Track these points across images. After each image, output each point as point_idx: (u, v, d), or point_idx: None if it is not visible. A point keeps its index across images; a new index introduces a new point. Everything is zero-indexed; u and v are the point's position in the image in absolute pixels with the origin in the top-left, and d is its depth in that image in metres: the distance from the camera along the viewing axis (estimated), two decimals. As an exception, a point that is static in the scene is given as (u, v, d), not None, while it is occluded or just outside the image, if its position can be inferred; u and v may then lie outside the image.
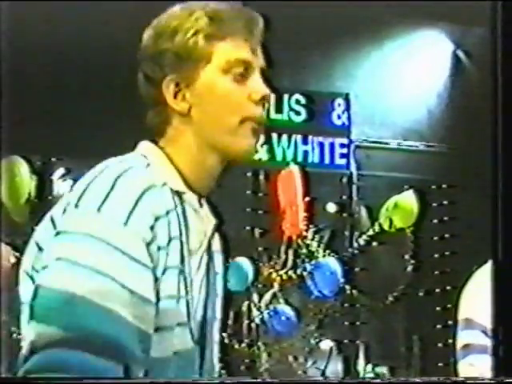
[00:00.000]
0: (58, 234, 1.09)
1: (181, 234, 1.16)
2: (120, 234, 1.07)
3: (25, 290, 1.13)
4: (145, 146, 1.22)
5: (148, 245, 1.09)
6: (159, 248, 1.11)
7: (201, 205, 1.23)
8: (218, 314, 1.28)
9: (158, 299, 1.11)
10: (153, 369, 1.11)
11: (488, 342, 1.90)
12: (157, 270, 1.11)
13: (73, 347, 1.02)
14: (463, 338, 2.02)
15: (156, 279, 1.11)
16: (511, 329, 1.05)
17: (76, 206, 1.10)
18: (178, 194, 1.18)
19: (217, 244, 1.29)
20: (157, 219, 1.11)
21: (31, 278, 1.13)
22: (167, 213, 1.14)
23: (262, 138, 1.24)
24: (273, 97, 3.86)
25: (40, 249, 1.12)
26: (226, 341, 3.62)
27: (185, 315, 1.16)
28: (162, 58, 1.19)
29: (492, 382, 1.11)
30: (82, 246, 1.07)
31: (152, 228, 1.10)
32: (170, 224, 1.13)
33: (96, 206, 1.08)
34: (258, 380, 1.20)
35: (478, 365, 1.91)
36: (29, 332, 1.06)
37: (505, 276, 1.11)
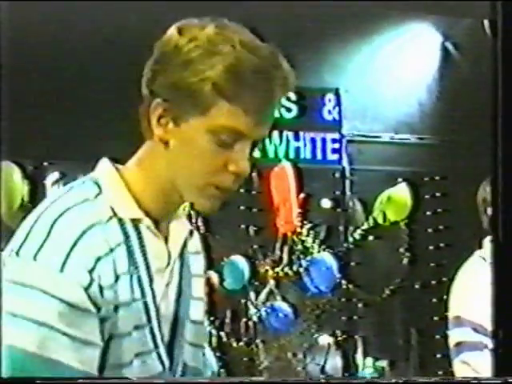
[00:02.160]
0: (4, 281, 1.09)
1: (135, 266, 1.14)
2: (56, 281, 1.07)
3: None
4: (102, 167, 1.19)
5: (86, 288, 1.08)
6: (102, 288, 1.10)
7: (164, 224, 1.19)
8: (195, 317, 1.25)
9: (111, 337, 1.11)
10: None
11: (479, 339, 1.91)
12: (103, 311, 1.10)
13: None
14: (455, 336, 2.03)
15: (103, 320, 1.10)
16: (511, 327, 1.05)
17: (17, 253, 1.10)
18: (132, 221, 1.16)
19: (195, 246, 1.28)
20: (98, 260, 1.10)
21: None
22: (111, 250, 1.12)
23: (223, 202, 1.17)
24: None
25: None
26: (224, 339, 3.62)
27: (148, 344, 1.15)
28: (165, 77, 1.12)
29: (494, 381, 1.11)
30: (21, 297, 1.07)
31: (92, 270, 1.09)
32: (115, 261, 1.12)
33: (33, 253, 1.08)
34: (258, 380, 1.19)
35: (471, 362, 1.92)
36: None
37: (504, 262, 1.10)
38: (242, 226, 3.74)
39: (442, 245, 3.90)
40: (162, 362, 1.17)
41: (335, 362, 3.81)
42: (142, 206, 1.16)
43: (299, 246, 3.81)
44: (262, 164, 3.81)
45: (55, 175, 3.35)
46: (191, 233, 1.26)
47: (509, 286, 1.10)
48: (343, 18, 3.59)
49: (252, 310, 3.72)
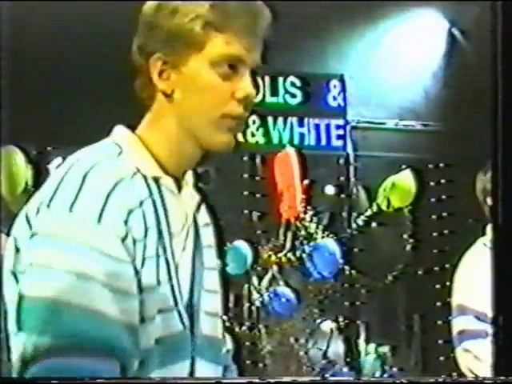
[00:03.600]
0: (32, 236, 1.09)
1: (158, 222, 1.16)
2: (94, 232, 1.07)
3: (9, 292, 1.12)
4: (119, 131, 1.21)
5: (123, 240, 1.09)
6: (135, 241, 1.11)
7: (180, 186, 1.22)
8: (210, 286, 1.27)
9: (140, 290, 1.11)
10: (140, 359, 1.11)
11: (482, 327, 1.91)
12: (135, 263, 1.11)
13: (65, 355, 1.03)
14: (457, 324, 2.03)
15: (136, 272, 1.11)
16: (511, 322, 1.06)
17: (48, 206, 1.09)
18: (154, 179, 1.18)
19: (204, 218, 1.29)
20: (130, 212, 1.11)
21: (13, 278, 1.12)
22: (141, 203, 1.13)
23: (239, 133, 1.22)
24: (268, 80, 3.85)
25: (17, 250, 1.11)
26: (227, 324, 3.64)
27: (169, 301, 1.16)
28: (157, 34, 1.18)
29: (493, 381, 1.11)
30: (57, 249, 1.06)
31: (126, 222, 1.10)
32: (144, 215, 1.13)
33: (67, 205, 1.08)
34: (258, 380, 1.19)
35: (473, 350, 1.93)
36: (17, 343, 1.06)
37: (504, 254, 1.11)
38: (246, 212, 3.75)
39: (445, 231, 3.90)
40: (182, 321, 1.18)
41: (337, 348, 3.83)
42: (160, 165, 1.19)
43: (302, 232, 3.82)
44: (266, 150, 3.82)
45: (58, 160, 3.36)
46: (199, 205, 1.27)
47: (509, 274, 1.10)
48: (348, 3, 3.56)
49: (255, 295, 3.74)
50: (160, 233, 1.15)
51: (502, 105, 1.09)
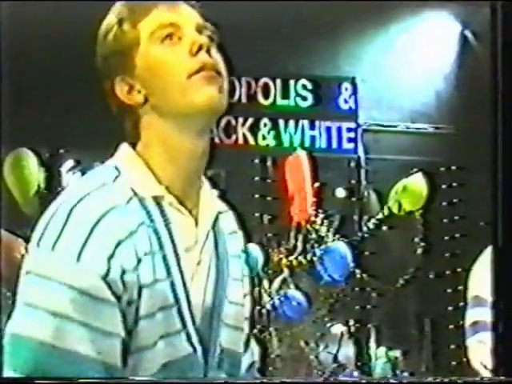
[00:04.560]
0: (25, 273, 1.10)
1: (160, 245, 1.13)
2: (73, 271, 1.06)
3: (5, 329, 1.12)
4: (121, 150, 1.19)
5: (105, 277, 1.07)
6: (124, 272, 1.08)
7: (189, 201, 1.17)
8: (234, 297, 1.23)
9: (136, 322, 1.09)
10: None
11: None
12: (125, 297, 1.08)
13: None
14: (472, 315, 2.01)
15: (126, 306, 1.08)
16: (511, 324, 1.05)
17: (38, 244, 1.09)
18: (154, 199, 1.15)
19: (229, 225, 1.26)
20: (118, 244, 1.08)
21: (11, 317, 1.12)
22: (133, 232, 1.10)
23: (224, 86, 1.16)
24: (279, 82, 3.85)
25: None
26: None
27: (176, 325, 1.13)
28: (106, 65, 1.18)
29: (492, 381, 1.11)
30: (39, 288, 1.07)
31: (111, 257, 1.07)
32: (136, 244, 1.10)
33: (51, 244, 1.07)
34: (258, 380, 1.18)
35: (487, 341, 1.90)
36: (2, 378, 1.07)
37: (505, 262, 1.10)
38: (257, 214, 3.75)
39: (457, 235, 3.89)
40: (191, 344, 1.15)
41: (348, 351, 3.82)
42: (162, 182, 1.15)
43: (313, 235, 3.81)
44: (277, 152, 3.82)
45: (70, 162, 3.38)
46: (223, 212, 1.24)
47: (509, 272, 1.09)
48: (360, 7, 3.56)
49: (265, 298, 3.74)
50: (162, 256, 1.12)
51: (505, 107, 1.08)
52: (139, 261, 1.10)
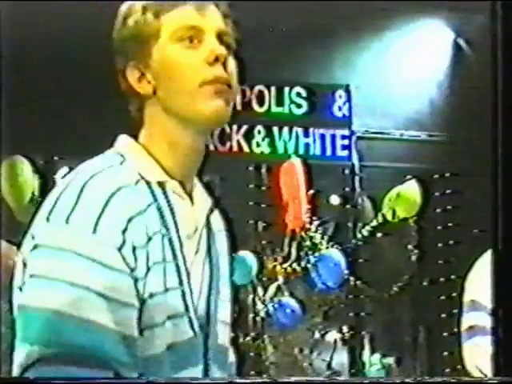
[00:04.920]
0: (33, 248, 1.10)
1: (166, 227, 1.15)
2: (89, 242, 1.07)
3: (14, 306, 1.13)
4: (122, 140, 1.22)
5: (120, 249, 1.08)
6: (135, 248, 1.10)
7: (188, 190, 1.21)
8: (223, 294, 1.26)
9: (144, 299, 1.11)
10: (147, 368, 1.11)
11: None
12: (136, 271, 1.10)
13: (58, 363, 1.03)
14: (468, 319, 2.00)
15: (137, 280, 1.10)
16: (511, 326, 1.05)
17: (47, 219, 1.10)
18: (159, 184, 1.17)
19: (218, 223, 1.28)
20: (130, 220, 1.10)
21: (18, 290, 1.13)
22: (143, 210, 1.12)
23: (232, 99, 1.19)
24: (273, 90, 3.86)
25: (24, 264, 1.12)
26: (232, 334, 3.62)
27: (179, 307, 1.15)
28: (122, 47, 1.20)
29: (492, 381, 1.11)
30: (54, 260, 1.07)
31: (124, 231, 1.09)
32: (147, 222, 1.12)
33: (64, 217, 1.08)
34: (258, 380, 1.19)
35: (483, 346, 1.90)
36: (16, 352, 1.08)
37: (505, 267, 1.11)
38: (251, 222, 3.75)
39: (451, 242, 3.89)
40: (192, 328, 1.16)
41: (342, 359, 3.82)
42: (165, 169, 1.18)
43: (307, 242, 3.81)
44: (271, 160, 3.82)
45: (65, 170, 3.37)
46: (211, 209, 1.26)
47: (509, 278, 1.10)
48: (354, 14, 3.58)
49: (260, 305, 3.73)
50: (168, 238, 1.15)
51: (502, 114, 1.09)
52: (149, 239, 1.12)
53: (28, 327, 1.06)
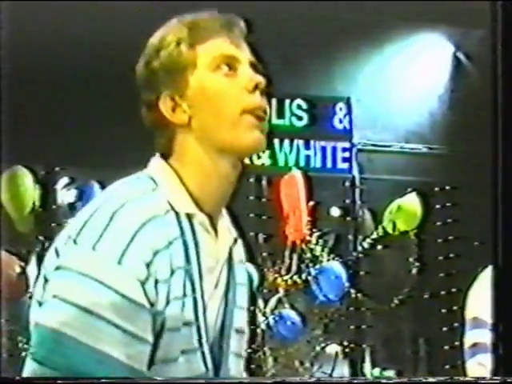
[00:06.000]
0: (57, 268, 1.10)
1: (188, 261, 1.14)
2: (114, 273, 1.07)
3: (31, 319, 1.13)
4: (155, 163, 1.20)
5: (143, 283, 1.08)
6: (157, 282, 1.09)
7: (215, 222, 1.20)
8: (239, 326, 1.24)
9: (160, 333, 1.10)
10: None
11: None
12: (157, 305, 1.09)
13: None
14: (471, 337, 2.00)
15: (155, 315, 1.09)
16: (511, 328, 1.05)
17: (75, 241, 1.10)
18: (187, 216, 1.16)
19: (239, 254, 1.28)
20: (156, 253, 1.10)
21: (37, 306, 1.13)
22: (169, 243, 1.12)
23: (266, 129, 1.19)
24: (274, 102, 3.87)
25: (46, 280, 1.12)
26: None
27: (193, 342, 1.14)
28: (153, 78, 1.19)
29: (492, 381, 1.11)
30: (76, 284, 1.07)
31: (149, 264, 1.09)
32: (172, 256, 1.12)
33: (92, 243, 1.08)
34: (258, 380, 1.19)
35: (486, 364, 1.89)
36: (26, 369, 1.08)
37: (505, 280, 1.11)
38: (252, 234, 3.75)
39: (451, 255, 3.89)
40: (205, 363, 1.16)
41: (342, 371, 3.80)
42: (195, 200, 1.17)
43: (308, 255, 3.81)
44: (272, 172, 3.83)
45: (66, 180, 3.37)
46: (235, 240, 1.26)
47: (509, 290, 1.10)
48: (355, 27, 3.60)
49: (260, 318, 3.72)
50: (189, 273, 1.14)
51: (502, 127, 1.09)
52: (172, 273, 1.11)
53: (41, 346, 1.06)
